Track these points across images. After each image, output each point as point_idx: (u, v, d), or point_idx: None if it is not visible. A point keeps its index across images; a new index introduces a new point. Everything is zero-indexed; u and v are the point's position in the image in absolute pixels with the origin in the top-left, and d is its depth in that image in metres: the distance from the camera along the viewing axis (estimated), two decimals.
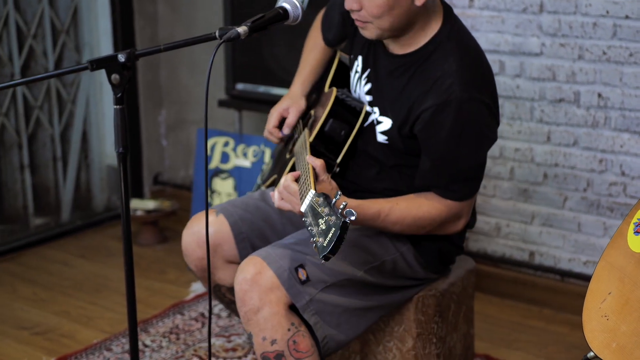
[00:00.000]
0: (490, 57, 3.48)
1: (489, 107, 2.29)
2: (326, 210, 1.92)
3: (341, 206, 1.92)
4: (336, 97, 2.45)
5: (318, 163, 2.20)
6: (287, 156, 2.61)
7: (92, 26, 4.53)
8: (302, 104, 2.64)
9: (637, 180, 3.31)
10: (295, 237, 2.40)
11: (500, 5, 3.48)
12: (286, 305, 2.27)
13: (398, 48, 2.37)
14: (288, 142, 2.69)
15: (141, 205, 4.34)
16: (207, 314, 3.56)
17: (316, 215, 1.94)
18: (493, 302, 3.64)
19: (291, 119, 2.62)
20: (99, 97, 4.61)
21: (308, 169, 2.17)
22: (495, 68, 3.52)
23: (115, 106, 2.19)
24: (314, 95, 2.70)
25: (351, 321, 2.35)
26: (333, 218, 1.89)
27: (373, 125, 2.43)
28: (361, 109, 2.44)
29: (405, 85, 2.34)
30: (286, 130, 2.63)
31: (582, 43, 3.32)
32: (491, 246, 3.73)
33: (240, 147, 3.94)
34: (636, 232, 1.89)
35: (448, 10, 2.38)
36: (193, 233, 2.59)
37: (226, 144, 3.97)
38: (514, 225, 3.65)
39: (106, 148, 4.69)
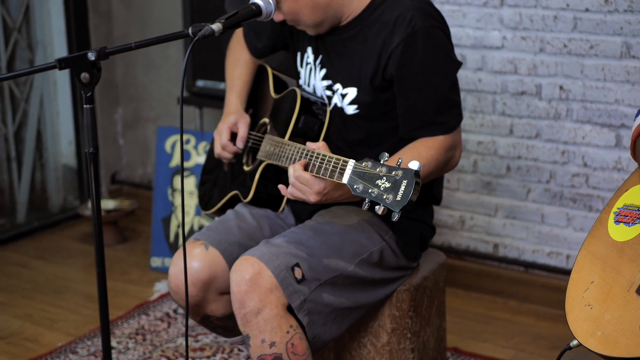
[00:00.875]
0: None
1: (447, 35, 2.37)
2: (384, 169, 1.91)
3: (398, 161, 1.92)
4: (301, 95, 2.45)
5: (321, 144, 2.17)
6: (248, 168, 2.58)
7: (45, 24, 4.45)
8: (247, 117, 2.62)
9: (599, 171, 3.36)
10: (286, 235, 2.37)
11: (461, 0, 3.49)
12: (285, 307, 2.24)
13: (342, 22, 2.40)
14: (234, 158, 2.66)
15: (101, 205, 4.27)
16: (172, 314, 3.52)
17: (371, 179, 1.92)
18: (459, 295, 3.66)
19: (243, 132, 2.58)
20: (53, 96, 4.54)
21: (313, 154, 2.15)
22: None
23: (85, 105, 2.15)
24: (257, 106, 2.69)
25: (336, 321, 2.34)
26: (400, 172, 1.88)
27: (337, 107, 2.44)
28: (324, 102, 2.46)
29: (363, 43, 2.37)
30: (240, 143, 2.58)
31: (543, 36, 3.36)
32: (455, 239, 3.75)
33: (202, 145, 3.91)
34: (617, 222, 1.92)
35: None
36: (183, 271, 2.39)
37: (187, 142, 3.93)
38: (477, 217, 3.68)
39: (61, 147, 4.61)
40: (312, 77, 2.51)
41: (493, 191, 3.61)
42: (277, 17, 2.33)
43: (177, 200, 3.94)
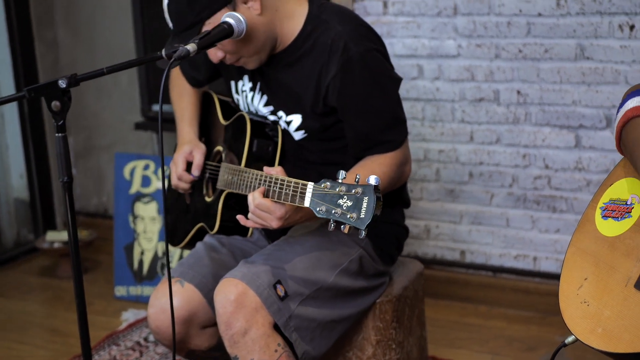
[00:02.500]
0: (408, 62, 3.54)
1: (382, 53, 2.36)
2: (343, 188, 1.90)
3: (356, 178, 1.91)
4: (250, 119, 2.43)
5: (279, 169, 2.16)
6: (209, 199, 2.55)
7: None
8: (201, 144, 2.58)
9: (560, 172, 3.40)
10: (263, 254, 2.36)
11: (415, 11, 3.52)
12: (271, 325, 2.22)
13: (277, 49, 2.38)
14: (195, 190, 2.62)
15: (58, 237, 4.21)
16: (143, 342, 3.46)
17: (332, 199, 1.92)
18: (428, 304, 3.64)
19: (199, 160, 2.53)
20: (1, 129, 4.45)
21: (271, 179, 2.13)
22: (413, 72, 3.56)
23: (56, 134, 2.09)
24: (210, 135, 2.67)
25: (323, 335, 2.33)
26: (359, 189, 1.88)
27: (286, 131, 2.43)
28: (274, 121, 2.45)
29: (300, 70, 2.36)
30: (196, 172, 2.54)
31: (498, 42, 3.40)
32: (422, 248, 3.76)
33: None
34: (604, 217, 1.93)
35: None
36: (163, 311, 2.39)
37: (146, 167, 3.88)
38: (443, 225, 3.70)
39: (12, 181, 4.52)
40: (252, 103, 2.50)
41: (457, 198, 3.64)
42: (217, 56, 2.30)
43: (139, 227, 3.89)
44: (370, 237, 2.48)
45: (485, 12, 3.40)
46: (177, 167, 2.54)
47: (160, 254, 3.87)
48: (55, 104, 2.08)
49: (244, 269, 2.28)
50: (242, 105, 2.55)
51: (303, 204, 2.00)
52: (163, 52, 2.08)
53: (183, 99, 2.70)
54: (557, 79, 3.33)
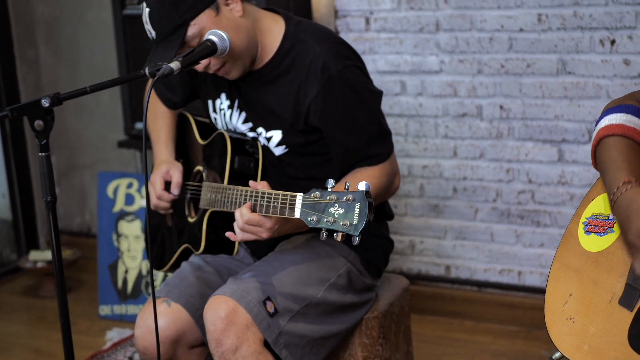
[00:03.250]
0: (390, 78, 3.56)
1: (360, 68, 2.37)
2: (334, 196, 1.90)
3: (346, 185, 1.91)
4: (230, 137, 2.43)
5: (264, 183, 2.16)
6: (192, 219, 2.54)
7: None
8: (178, 163, 2.57)
9: (544, 186, 3.42)
10: (252, 270, 2.35)
11: (397, 27, 3.54)
12: (261, 342, 2.22)
13: (255, 65, 2.38)
14: (176, 212, 2.61)
15: (41, 257, 4.18)
16: None
17: (324, 208, 1.91)
18: (414, 320, 3.63)
19: (177, 178, 2.51)
20: None
21: (257, 194, 2.13)
22: (396, 88, 3.58)
23: (40, 154, 2.09)
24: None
25: (312, 352, 2.32)
26: (351, 196, 1.88)
27: (266, 147, 2.44)
28: (254, 138, 2.45)
29: (278, 89, 2.37)
30: (176, 190, 2.52)
31: (480, 58, 3.42)
32: (407, 264, 3.76)
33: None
34: (587, 232, 1.92)
35: (287, 15, 2.43)
36: (151, 331, 2.33)
37: (129, 185, 3.87)
38: (427, 241, 3.70)
39: None
40: (230, 121, 2.50)
41: (441, 213, 3.64)
42: (202, 64, 2.27)
43: (123, 246, 3.87)
44: (357, 251, 2.48)
45: (467, 28, 3.42)
46: (155, 187, 2.52)
47: (144, 272, 3.85)
48: (39, 123, 2.08)
49: (234, 285, 2.28)
50: (220, 124, 2.55)
51: (293, 215, 1.99)
52: (146, 70, 2.07)
53: (158, 120, 2.69)
54: (539, 93, 3.34)
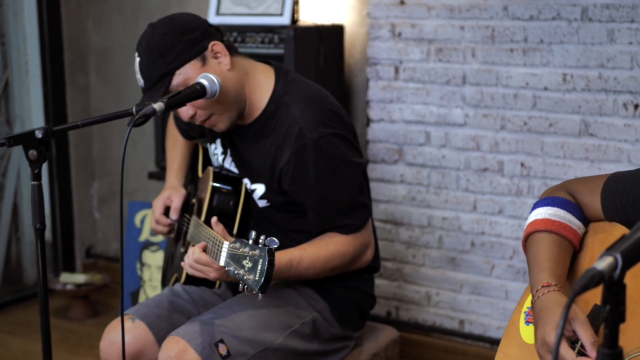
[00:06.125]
0: (416, 128, 3.57)
1: (341, 137, 2.37)
2: (247, 249, 1.95)
3: (260, 240, 1.96)
4: (214, 172, 2.48)
5: (219, 228, 2.20)
6: (182, 250, 2.61)
7: (24, 99, 4.51)
8: (182, 190, 2.66)
9: None
10: (213, 311, 2.39)
11: (425, 78, 3.55)
12: None
13: (245, 120, 2.44)
14: (179, 237, 2.68)
15: (71, 279, 4.29)
16: None
17: (238, 260, 1.99)
18: None
19: (176, 204, 2.60)
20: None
21: (212, 237, 2.19)
22: (421, 139, 3.58)
23: (32, 182, 2.17)
24: (190, 187, 2.73)
25: None
26: (257, 251, 1.94)
27: (252, 197, 2.49)
28: (240, 177, 2.50)
29: (261, 148, 2.41)
30: (173, 215, 2.60)
31: (504, 114, 3.40)
32: (422, 315, 3.74)
33: None
34: (527, 322, 1.86)
35: (278, 68, 2.46)
36: (112, 344, 2.48)
37: None
38: (443, 293, 3.68)
39: None
40: (223, 165, 2.56)
41: (458, 267, 3.62)
42: (187, 114, 2.34)
43: (146, 275, 3.95)
44: (327, 300, 2.49)
45: (493, 82, 3.41)
46: (155, 211, 2.63)
47: None
48: (32, 153, 2.16)
49: (188, 327, 2.34)
50: (217, 165, 2.63)
51: (219, 263, 2.08)
52: (134, 109, 2.14)
53: (175, 148, 2.80)
54: (560, 153, 3.31)
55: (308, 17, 3.72)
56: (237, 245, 1.99)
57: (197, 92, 2.21)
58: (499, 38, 3.37)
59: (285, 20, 3.55)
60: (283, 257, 2.28)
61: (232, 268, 1.99)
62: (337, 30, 3.67)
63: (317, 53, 3.51)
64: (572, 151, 3.29)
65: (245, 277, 1.93)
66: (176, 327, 2.48)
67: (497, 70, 3.40)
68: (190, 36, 2.30)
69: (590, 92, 3.22)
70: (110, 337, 2.49)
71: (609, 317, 1.14)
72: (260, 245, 1.95)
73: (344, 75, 3.76)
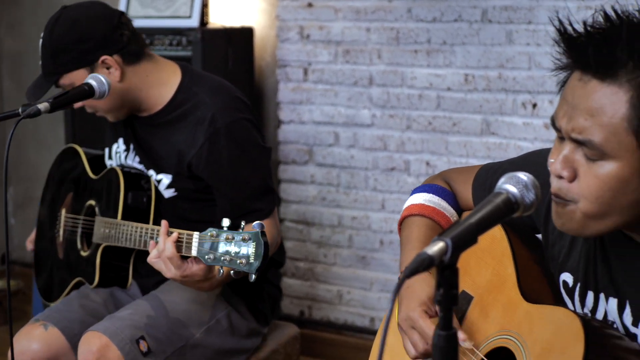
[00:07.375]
0: (325, 129, 3.61)
1: (252, 122, 2.44)
2: (230, 235, 1.97)
3: (242, 225, 1.99)
4: (123, 172, 2.49)
5: (163, 223, 2.19)
6: (85, 253, 2.58)
7: None
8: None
9: None
10: (131, 307, 2.39)
11: (333, 79, 3.60)
12: None
13: (147, 112, 2.48)
14: (68, 245, 2.67)
15: None
16: None
17: (219, 246, 2.00)
18: None
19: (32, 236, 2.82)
20: None
21: (153, 230, 2.20)
22: (330, 139, 3.62)
23: None
24: (71, 192, 2.72)
25: None
26: (246, 235, 1.96)
27: (157, 189, 2.50)
28: (146, 174, 2.51)
29: (169, 136, 2.45)
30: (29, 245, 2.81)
31: (410, 114, 3.46)
32: (334, 313, 3.78)
33: None
34: None
35: (185, 68, 2.51)
36: (23, 352, 2.41)
37: None
38: (354, 292, 3.72)
39: None
40: (126, 162, 2.58)
41: (368, 265, 3.66)
42: (75, 104, 2.38)
43: None
44: (241, 295, 2.51)
45: (398, 84, 3.47)
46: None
47: None
48: None
49: (108, 322, 2.32)
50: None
51: (190, 254, 2.07)
52: (20, 110, 2.14)
53: None
54: (464, 152, 3.38)
55: (218, 19, 3.73)
56: (215, 232, 2.01)
57: (84, 92, 2.22)
58: (403, 40, 3.43)
59: (193, 22, 3.56)
60: None
61: (211, 256, 2.00)
62: (246, 33, 3.69)
63: (225, 55, 3.54)
64: (474, 150, 3.36)
65: (237, 262, 1.95)
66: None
67: (402, 71, 3.45)
68: (84, 46, 2.36)
69: (490, 92, 3.30)
70: (21, 345, 2.43)
71: (442, 300, 1.18)
72: (241, 230, 1.98)
73: (255, 77, 3.78)
